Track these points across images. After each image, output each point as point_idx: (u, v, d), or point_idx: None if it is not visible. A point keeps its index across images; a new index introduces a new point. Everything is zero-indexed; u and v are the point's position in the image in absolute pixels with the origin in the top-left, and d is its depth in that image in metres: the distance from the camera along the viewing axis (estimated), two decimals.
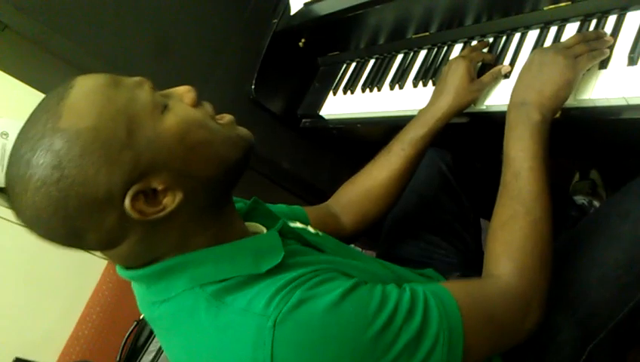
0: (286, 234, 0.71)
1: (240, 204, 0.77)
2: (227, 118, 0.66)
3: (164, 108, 0.59)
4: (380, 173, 0.93)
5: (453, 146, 1.15)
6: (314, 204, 1.59)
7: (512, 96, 0.78)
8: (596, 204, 1.42)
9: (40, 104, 0.57)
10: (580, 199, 1.42)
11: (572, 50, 0.77)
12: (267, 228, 0.73)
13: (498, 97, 0.92)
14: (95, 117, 0.54)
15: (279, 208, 0.88)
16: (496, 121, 0.93)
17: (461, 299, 0.61)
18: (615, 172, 1.45)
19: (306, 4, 1.24)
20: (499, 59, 0.96)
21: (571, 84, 0.75)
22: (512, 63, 0.93)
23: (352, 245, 1.85)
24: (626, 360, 1.12)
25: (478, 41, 1.01)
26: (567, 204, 1.38)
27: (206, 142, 0.61)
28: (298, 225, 0.80)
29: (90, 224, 0.56)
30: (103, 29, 1.16)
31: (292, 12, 1.28)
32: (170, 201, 0.58)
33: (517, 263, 0.67)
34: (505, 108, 0.89)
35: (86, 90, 0.56)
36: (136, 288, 0.68)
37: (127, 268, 0.64)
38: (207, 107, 0.65)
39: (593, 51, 0.78)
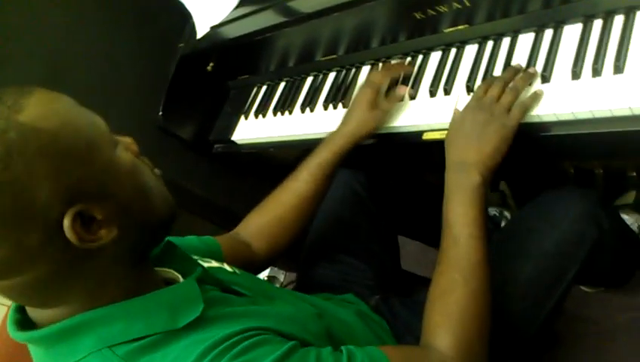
0: (205, 279, 0.66)
1: None
2: (158, 171, 0.63)
3: (115, 146, 0.57)
4: (289, 199, 0.92)
5: (368, 166, 1.15)
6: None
7: (449, 155, 0.77)
8: (507, 214, 1.48)
9: None
10: (492, 210, 1.47)
11: (501, 104, 0.77)
12: (182, 275, 0.67)
13: (405, 119, 0.93)
14: (59, 124, 0.51)
15: (190, 241, 0.84)
16: (404, 141, 0.95)
17: None
18: (522, 182, 1.52)
19: (212, 28, 1.21)
20: (403, 80, 0.97)
21: (508, 141, 0.75)
22: (415, 84, 0.95)
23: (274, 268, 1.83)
24: None
25: (385, 63, 1.02)
26: None
27: (149, 189, 0.59)
28: (214, 264, 0.76)
29: (8, 235, 0.48)
30: None
31: (198, 35, 1.25)
32: (106, 234, 0.52)
33: (456, 337, 0.65)
34: (411, 130, 0.92)
35: (51, 98, 0.53)
36: (34, 351, 0.59)
37: (21, 329, 0.56)
38: (147, 161, 0.62)
39: (525, 100, 0.78)
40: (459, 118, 0.79)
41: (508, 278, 0.79)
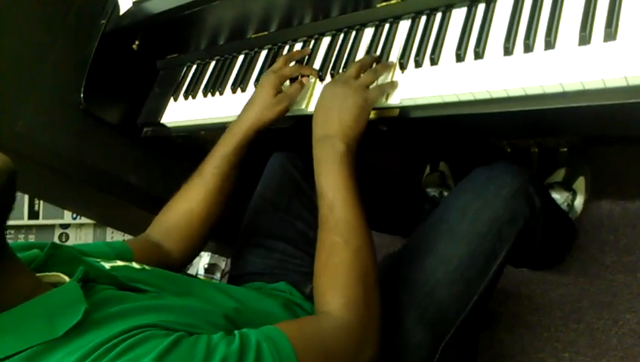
0: (97, 279, 0.60)
1: (35, 251, 0.64)
2: None
3: None
4: (196, 194, 0.89)
5: (304, 148, 1.11)
6: None
7: (313, 132, 0.78)
8: (446, 194, 1.48)
9: None
10: (432, 191, 1.47)
11: (360, 80, 0.80)
12: (70, 276, 0.60)
13: None
14: None
15: (97, 247, 0.77)
16: None
17: (295, 340, 0.57)
18: (461, 162, 1.52)
19: (135, 3, 1.14)
20: (339, 56, 0.94)
21: (366, 111, 0.77)
22: (348, 61, 0.91)
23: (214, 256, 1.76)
24: (477, 343, 1.17)
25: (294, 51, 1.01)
26: (421, 198, 1.41)
27: None
28: (118, 263, 0.70)
29: None
30: None
31: (121, 11, 1.17)
32: None
33: (345, 298, 0.65)
34: None
35: None
36: None
37: None
38: None
39: (383, 84, 0.82)
40: (320, 96, 0.81)
41: (441, 260, 0.77)
